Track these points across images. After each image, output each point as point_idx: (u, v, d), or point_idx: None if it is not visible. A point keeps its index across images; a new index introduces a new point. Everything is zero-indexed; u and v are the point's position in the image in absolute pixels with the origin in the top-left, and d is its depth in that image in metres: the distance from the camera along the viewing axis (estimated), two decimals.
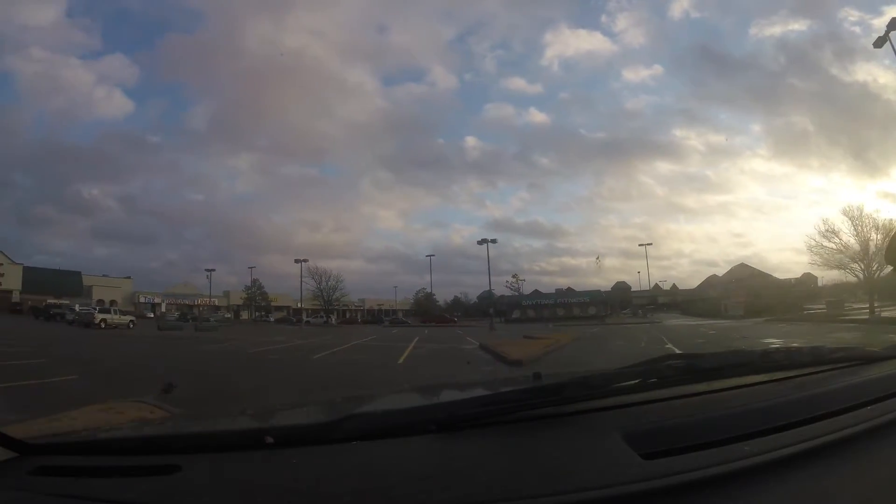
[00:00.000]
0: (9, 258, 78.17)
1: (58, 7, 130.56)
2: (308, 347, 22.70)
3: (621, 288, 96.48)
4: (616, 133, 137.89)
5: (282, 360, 17.16)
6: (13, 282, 76.24)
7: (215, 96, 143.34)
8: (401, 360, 17.05)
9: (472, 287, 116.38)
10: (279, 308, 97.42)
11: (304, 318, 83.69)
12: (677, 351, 12.70)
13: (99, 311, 45.02)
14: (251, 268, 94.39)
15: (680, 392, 1.24)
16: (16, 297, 71.44)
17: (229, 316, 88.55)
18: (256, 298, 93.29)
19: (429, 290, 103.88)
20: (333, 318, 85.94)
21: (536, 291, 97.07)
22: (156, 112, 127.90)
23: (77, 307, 51.13)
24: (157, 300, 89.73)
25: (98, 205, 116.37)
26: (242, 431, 1.37)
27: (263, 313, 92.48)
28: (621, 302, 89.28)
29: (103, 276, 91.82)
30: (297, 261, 73.77)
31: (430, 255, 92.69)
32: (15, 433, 1.16)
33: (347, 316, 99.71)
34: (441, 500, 0.81)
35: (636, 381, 1.22)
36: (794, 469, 0.91)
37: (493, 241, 61.93)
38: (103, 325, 40.63)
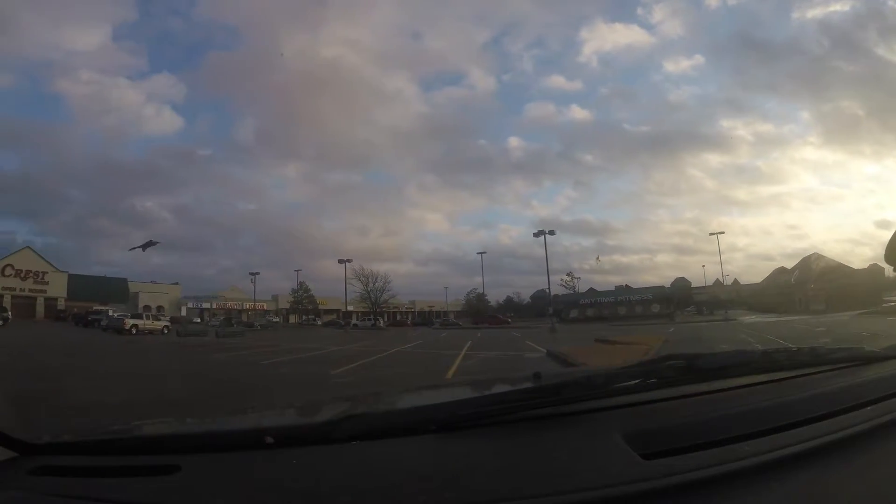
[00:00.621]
0: (53, 266, 77.16)
1: (104, 32, 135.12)
2: (337, 357, 19.27)
3: (681, 285, 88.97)
4: (660, 126, 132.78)
5: (287, 377, 13.55)
6: (58, 289, 74.28)
7: (260, 109, 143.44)
8: (449, 375, 13.15)
9: (522, 287, 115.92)
10: (329, 311, 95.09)
11: (353, 321, 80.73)
12: None
13: (130, 317, 42.30)
14: (297, 271, 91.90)
15: (680, 392, 1.24)
16: (61, 305, 70.22)
17: (277, 320, 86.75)
18: (303, 301, 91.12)
19: (480, 290, 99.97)
20: (382, 321, 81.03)
21: (592, 290, 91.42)
22: (204, 127, 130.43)
23: (111, 313, 49.59)
24: (204, 305, 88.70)
25: (153, 216, 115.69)
26: (242, 431, 1.37)
27: (311, 317, 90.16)
28: (683, 299, 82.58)
29: (151, 282, 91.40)
30: (340, 261, 70.57)
31: (481, 253, 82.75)
32: (15, 433, 1.16)
33: (397, 318, 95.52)
34: (441, 500, 0.80)
35: (636, 381, 1.22)
36: (794, 469, 0.91)
37: (552, 232, 59.09)
38: (134, 331, 38.57)
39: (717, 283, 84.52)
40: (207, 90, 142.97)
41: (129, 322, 40.09)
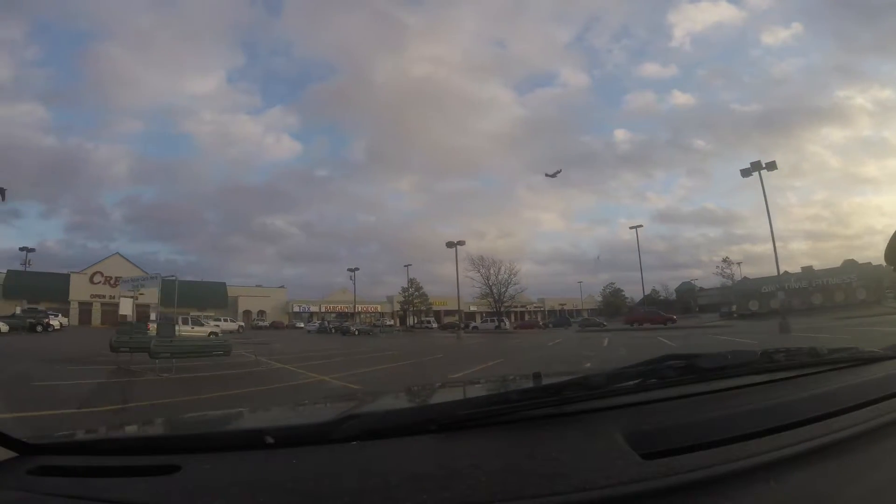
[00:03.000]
0: (145, 272, 73.21)
1: (219, 77, 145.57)
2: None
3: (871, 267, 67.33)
4: (769, 103, 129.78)
5: None
6: (152, 295, 69.98)
7: (366, 130, 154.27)
8: None
9: (649, 283, 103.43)
10: (449, 313, 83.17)
11: (473, 322, 67.26)
12: None
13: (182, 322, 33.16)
14: (407, 266, 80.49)
15: (680, 392, 1.24)
16: (154, 311, 63.60)
17: (391, 323, 76.51)
18: (414, 301, 78.88)
19: (616, 285, 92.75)
20: (508, 322, 67.71)
21: (746, 279, 73.48)
22: (320, 150, 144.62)
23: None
24: (312, 308, 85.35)
25: (280, 232, 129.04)
26: (242, 431, 1.39)
27: (427, 319, 77.98)
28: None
29: (257, 286, 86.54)
30: (448, 244, 50.41)
31: (635, 227, 65.91)
32: (15, 433, 1.17)
33: (525, 318, 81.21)
34: (441, 500, 0.80)
35: (636, 381, 1.22)
36: (794, 469, 0.91)
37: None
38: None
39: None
40: (317, 117, 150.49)
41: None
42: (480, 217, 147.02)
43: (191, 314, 41.37)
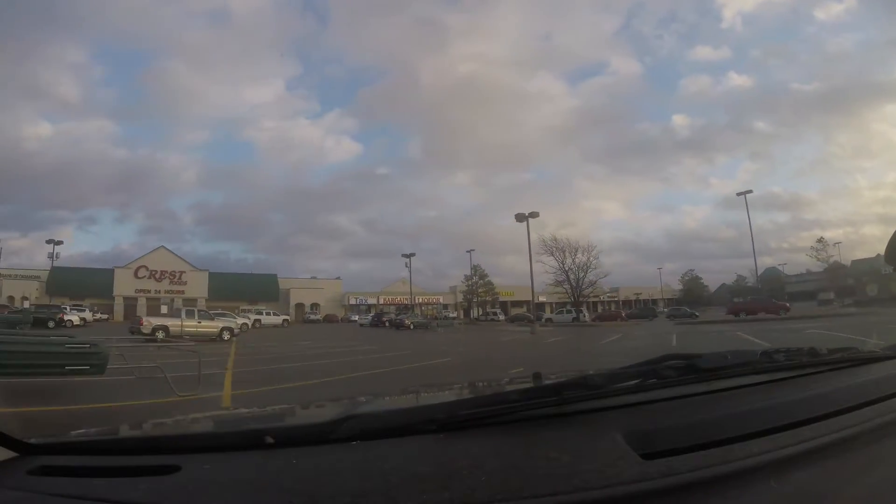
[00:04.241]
0: (191, 265, 72.53)
1: (278, 85, 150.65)
2: None
3: None
4: (829, 81, 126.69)
5: None
6: (198, 289, 69.64)
7: (420, 129, 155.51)
8: None
9: (717, 273, 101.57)
10: (517, 304, 78.20)
11: (546, 314, 59.39)
12: None
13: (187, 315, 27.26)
14: (469, 251, 71.01)
15: (680, 392, 1.24)
16: (201, 305, 59.09)
17: (453, 315, 69.41)
18: (478, 291, 71.46)
19: (695, 272, 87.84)
20: (586, 313, 58.51)
21: (808, 272, 74.63)
22: (379, 149, 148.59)
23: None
24: (370, 301, 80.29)
25: (343, 229, 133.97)
26: (242, 431, 1.38)
27: (494, 311, 70.70)
28: None
29: (311, 278, 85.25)
30: (518, 218, 40.65)
31: (743, 193, 53.08)
32: (15, 433, 1.17)
33: (599, 309, 71.40)
34: (441, 500, 0.80)
35: (636, 381, 1.22)
36: (794, 469, 0.91)
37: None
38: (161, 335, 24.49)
39: None
40: (372, 119, 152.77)
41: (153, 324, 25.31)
42: (540, 208, 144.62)
43: (205, 310, 35.32)
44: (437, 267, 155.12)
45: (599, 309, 71.16)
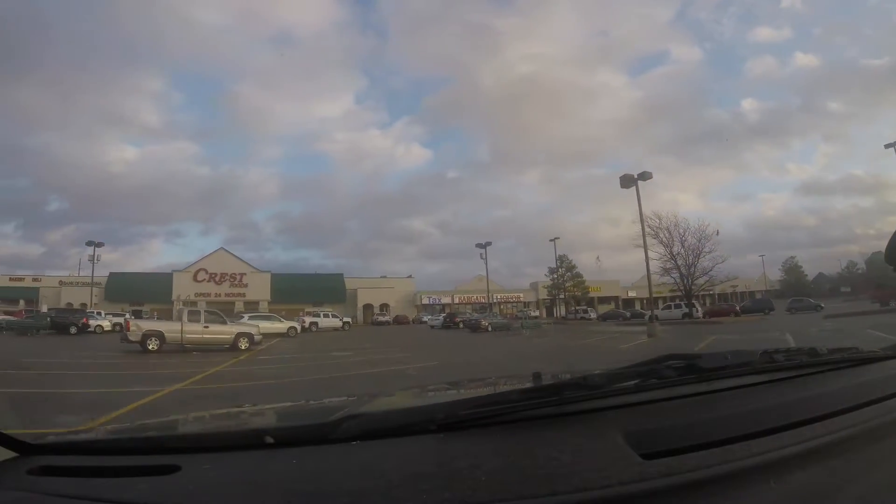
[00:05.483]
0: (252, 266, 70.02)
1: (347, 100, 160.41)
2: None
3: None
4: None
5: None
6: (260, 291, 67.11)
7: (486, 131, 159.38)
8: None
9: (803, 263, 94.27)
10: (603, 300, 73.17)
11: (651, 309, 50.65)
12: None
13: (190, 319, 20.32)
14: (553, 240, 59.27)
15: (680, 392, 1.23)
16: (264, 308, 55.01)
17: (536, 314, 61.49)
18: (565, 285, 62.99)
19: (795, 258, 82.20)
20: (698, 307, 46.22)
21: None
22: (448, 154, 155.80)
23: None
24: (443, 300, 75.34)
25: (418, 232, 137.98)
26: (242, 431, 1.39)
27: (582, 308, 62.18)
28: None
29: (381, 276, 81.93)
30: (624, 182, 30.85)
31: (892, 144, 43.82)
32: (15, 433, 1.17)
33: (707, 304, 59.08)
34: (441, 500, 0.80)
35: (636, 381, 1.22)
36: (793, 469, 0.91)
37: None
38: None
39: None
40: (439, 125, 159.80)
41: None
42: (613, 203, 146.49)
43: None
44: (513, 266, 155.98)
45: (707, 303, 60.50)
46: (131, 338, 19.18)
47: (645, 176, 30.16)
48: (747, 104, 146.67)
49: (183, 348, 19.09)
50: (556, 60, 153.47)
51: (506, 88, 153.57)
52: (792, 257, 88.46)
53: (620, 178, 31.03)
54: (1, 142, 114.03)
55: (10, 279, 65.60)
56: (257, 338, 21.14)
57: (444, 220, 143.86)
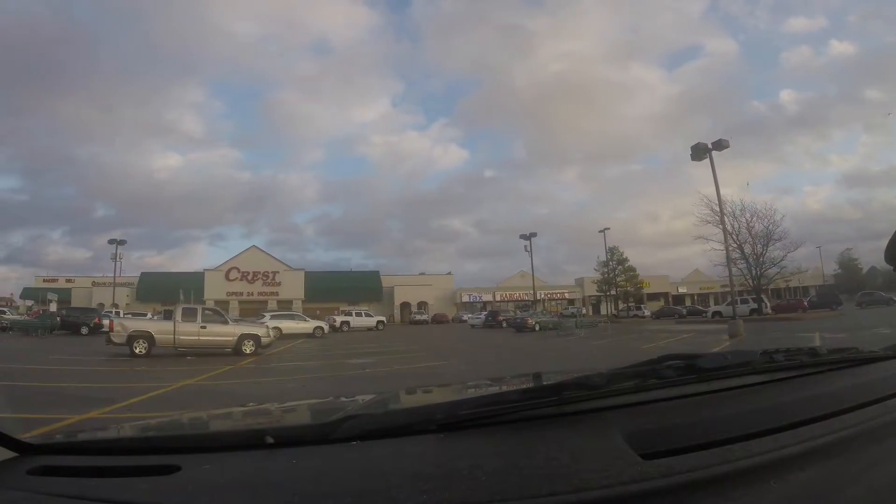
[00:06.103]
0: (286, 264, 68.81)
1: (384, 103, 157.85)
2: None
3: None
4: None
5: None
6: (294, 290, 65.24)
7: (521, 130, 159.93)
8: None
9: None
10: (652, 297, 68.24)
11: (711, 306, 45.88)
12: None
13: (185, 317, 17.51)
14: (602, 231, 56.73)
15: (680, 392, 1.24)
16: (297, 307, 52.63)
17: (584, 311, 57.12)
18: (616, 279, 58.56)
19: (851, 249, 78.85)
20: (766, 302, 40.86)
21: None
22: (485, 153, 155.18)
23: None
24: (484, 297, 72.45)
25: (457, 231, 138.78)
26: (242, 431, 1.41)
27: (634, 304, 57.93)
28: None
29: (420, 274, 78.89)
30: (695, 152, 27.60)
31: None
32: (15, 433, 1.17)
33: (777, 300, 51.67)
34: (441, 500, 0.81)
35: (636, 381, 1.22)
36: (794, 469, 0.91)
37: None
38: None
39: None
40: (475, 126, 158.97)
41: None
42: (652, 199, 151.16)
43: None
44: (553, 263, 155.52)
45: (773, 297, 54.79)
46: (116, 339, 16.85)
47: (721, 144, 26.35)
48: (785, 95, 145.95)
49: (176, 352, 16.72)
50: (588, 58, 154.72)
51: (540, 87, 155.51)
52: (848, 249, 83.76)
53: (692, 147, 27.27)
54: (55, 152, 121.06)
55: (44, 280, 65.57)
56: (265, 340, 18.37)
57: (483, 219, 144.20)
